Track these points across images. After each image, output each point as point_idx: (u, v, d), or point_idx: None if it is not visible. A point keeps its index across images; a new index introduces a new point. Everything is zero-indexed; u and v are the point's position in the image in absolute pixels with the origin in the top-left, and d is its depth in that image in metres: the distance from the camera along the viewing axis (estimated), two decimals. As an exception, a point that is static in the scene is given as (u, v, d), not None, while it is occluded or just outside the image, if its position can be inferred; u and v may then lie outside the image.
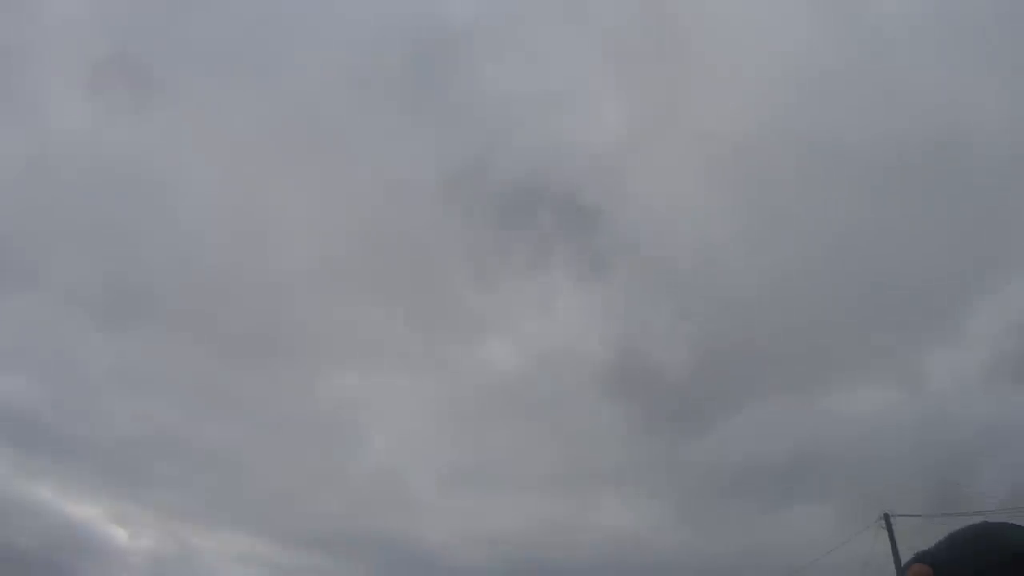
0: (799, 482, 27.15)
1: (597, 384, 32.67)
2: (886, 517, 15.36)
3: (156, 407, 27.89)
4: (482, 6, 33.22)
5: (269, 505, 28.23)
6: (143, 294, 29.72)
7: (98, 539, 23.05)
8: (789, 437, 27.15)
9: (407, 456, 32.55)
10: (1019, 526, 1.57)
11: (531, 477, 30.65)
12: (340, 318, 32.80)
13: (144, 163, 29.99)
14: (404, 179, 32.26)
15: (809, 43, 31.46)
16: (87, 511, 26.49)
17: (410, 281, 34.69)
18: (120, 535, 25.26)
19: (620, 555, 26.74)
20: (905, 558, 1.64)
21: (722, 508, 28.24)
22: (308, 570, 27.80)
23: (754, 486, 27.61)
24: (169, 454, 28.10)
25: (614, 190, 33.73)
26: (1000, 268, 26.78)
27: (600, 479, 29.75)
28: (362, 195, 33.62)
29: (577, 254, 32.75)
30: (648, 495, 30.06)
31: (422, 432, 32.86)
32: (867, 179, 31.18)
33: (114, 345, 29.04)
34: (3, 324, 26.12)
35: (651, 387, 31.84)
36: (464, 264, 34.12)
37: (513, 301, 34.61)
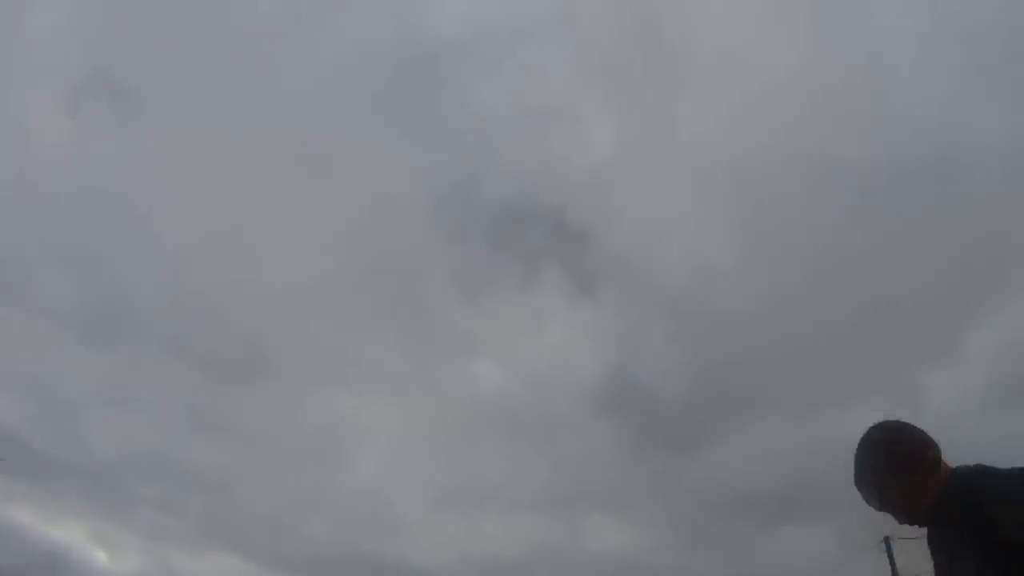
0: (796, 504, 26.80)
1: (588, 405, 32.29)
2: (886, 540, 14.82)
3: (140, 427, 27.43)
4: (471, 23, 33.04)
5: (256, 527, 27.75)
6: (127, 312, 29.32)
7: (79, 562, 22.41)
8: (785, 458, 26.82)
9: (396, 477, 32.10)
10: None
11: (522, 499, 30.22)
12: (328, 338, 32.43)
13: (127, 181, 29.65)
14: (392, 197, 31.94)
15: (805, 61, 31.30)
16: (67, 533, 25.88)
17: (398, 301, 34.31)
18: (101, 558, 24.64)
19: (612, 576, 26.34)
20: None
21: (717, 530, 27.86)
22: (293, 594, 27.31)
23: (750, 508, 27.25)
24: (153, 475, 27.58)
25: (604, 209, 33.46)
26: (998, 288, 26.60)
27: (592, 501, 29.36)
28: (349, 214, 33.28)
29: (567, 274, 32.44)
30: (641, 517, 29.66)
31: (411, 453, 32.41)
32: (863, 198, 30.97)
33: (97, 364, 28.59)
34: (-17, 341, 25.63)
35: (643, 408, 31.48)
36: (452, 283, 33.79)
37: (502, 321, 34.26)
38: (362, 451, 32.23)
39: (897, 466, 2.01)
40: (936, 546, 2.02)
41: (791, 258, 31.41)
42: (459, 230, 33.06)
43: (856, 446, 2.13)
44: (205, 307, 31.27)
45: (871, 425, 2.08)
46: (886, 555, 14.73)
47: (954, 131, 28.29)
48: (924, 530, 2.09)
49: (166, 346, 30.64)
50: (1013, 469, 1.94)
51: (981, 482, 1.94)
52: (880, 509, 2.03)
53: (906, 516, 2.01)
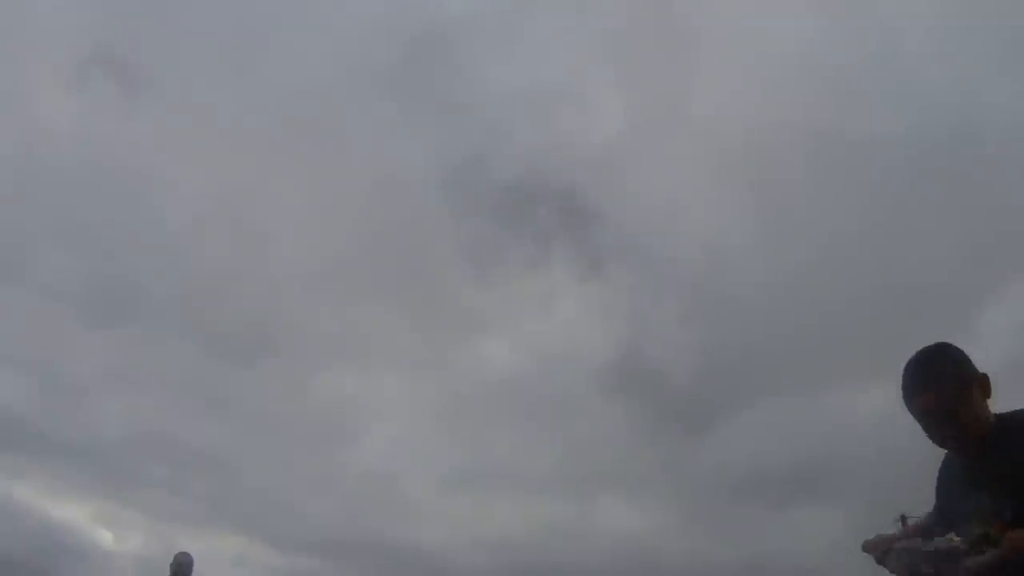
0: (808, 484, 26.53)
1: (599, 385, 32.02)
2: (902, 519, 14.54)
3: (145, 407, 27.18)
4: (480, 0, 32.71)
5: (262, 507, 27.56)
6: (132, 292, 29.08)
7: (83, 541, 22.29)
8: (797, 438, 26.53)
9: (405, 457, 31.88)
10: None
11: (532, 479, 30.01)
12: (336, 317, 32.17)
13: (133, 160, 29.37)
14: (400, 176, 31.64)
15: (818, 36, 30.85)
16: (73, 512, 25.76)
17: (407, 280, 34.05)
18: (106, 537, 24.53)
19: (624, 559, 26.08)
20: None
21: (728, 511, 27.61)
22: (303, 574, 27.15)
23: (761, 489, 26.97)
24: (158, 455, 27.33)
25: (615, 187, 33.10)
26: (1014, 268, 26.27)
27: (603, 481, 29.11)
28: (357, 192, 32.97)
29: (577, 253, 32.10)
30: (652, 498, 29.42)
31: (420, 433, 32.17)
32: (876, 177, 30.59)
33: (102, 343, 28.39)
34: (-12, 320, 25.49)
35: (654, 388, 31.19)
36: (462, 262, 33.49)
37: (512, 300, 33.97)
38: (370, 431, 32.04)
39: (966, 372, 2.08)
40: (965, 481, 2.10)
41: (804, 237, 31.05)
42: (468, 208, 32.75)
43: (912, 360, 2.14)
44: (212, 286, 31.03)
45: (921, 348, 2.15)
46: (903, 533, 14.67)
47: (970, 108, 27.91)
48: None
49: (172, 326, 30.42)
50: None
51: None
52: (940, 418, 2.04)
53: (960, 435, 2.05)
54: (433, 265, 32.63)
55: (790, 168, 30.47)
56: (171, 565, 7.36)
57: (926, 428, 2.09)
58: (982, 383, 2.08)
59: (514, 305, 33.79)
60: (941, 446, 2.13)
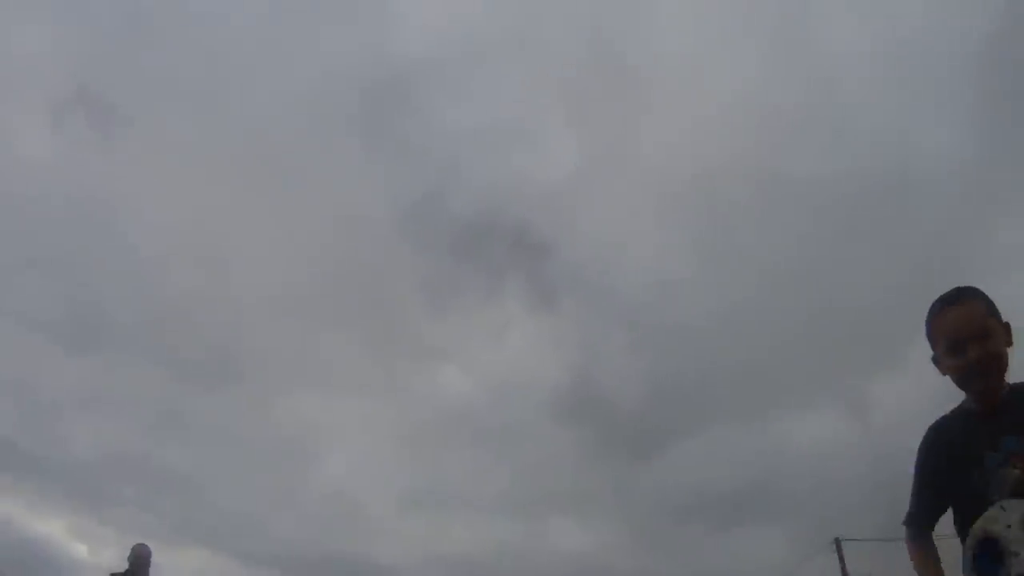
0: (749, 506, 27.85)
1: (550, 412, 33.42)
2: (837, 542, 15.56)
3: (117, 428, 28.13)
4: (434, 43, 33.96)
5: (229, 525, 28.56)
6: (105, 319, 29.96)
7: (60, 554, 23.17)
8: (740, 463, 27.96)
9: (365, 479, 32.99)
10: None
11: (485, 500, 31.24)
12: (299, 345, 33.25)
13: (106, 193, 30.31)
14: (360, 212, 32.82)
15: (760, 79, 32.54)
16: (49, 527, 26.57)
17: (367, 311, 35.21)
18: (81, 550, 25.33)
19: (574, 576, 27.37)
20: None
21: (674, 532, 28.99)
22: (266, 588, 27.99)
23: (705, 511, 28.34)
24: (129, 474, 28.26)
25: (566, 223, 34.57)
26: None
27: (553, 503, 30.46)
28: (319, 227, 34.13)
29: (529, 285, 33.56)
30: (601, 519, 30.78)
31: (379, 455, 33.33)
32: (815, 212, 32.23)
33: (77, 368, 29.24)
34: (-35, 347, 26.18)
35: (603, 415, 32.65)
36: (419, 294, 34.73)
37: (467, 330, 35.23)
38: (331, 454, 33.01)
39: (997, 309, 1.97)
40: (977, 440, 1.88)
41: (746, 270, 32.71)
42: (425, 243, 34.00)
43: (940, 298, 1.99)
44: (181, 314, 31.98)
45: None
46: (836, 556, 15.27)
47: (906, 148, 29.29)
48: (870, 539, 2.14)
49: (143, 351, 31.36)
50: None
51: None
52: (977, 332, 1.89)
53: (994, 364, 1.90)
54: (392, 296, 33.82)
55: (733, 205, 32.10)
56: (128, 557, 7.05)
57: (955, 347, 1.91)
58: (1008, 328, 1.95)
59: (469, 335, 35.02)
60: (970, 375, 1.90)
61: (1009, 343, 1.93)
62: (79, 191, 29.63)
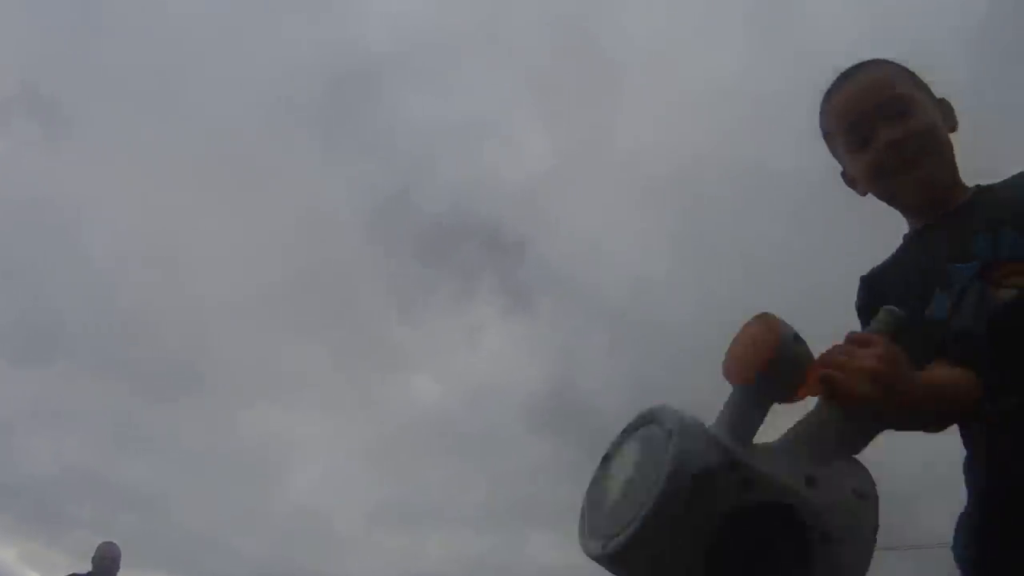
0: None
1: (527, 419, 32.24)
2: None
3: (70, 445, 26.75)
4: (402, 36, 32.98)
5: (190, 546, 27.21)
6: (57, 329, 28.61)
7: None
8: None
9: (333, 493, 31.77)
10: None
11: (462, 514, 30.05)
12: (261, 354, 32.02)
13: (57, 197, 29.00)
14: (324, 212, 31.72)
15: (741, 68, 31.71)
16: (1, 554, 25.20)
17: (333, 316, 34.04)
18: (34, 578, 24.17)
19: (553, 592, 26.30)
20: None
21: None
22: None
23: None
24: (83, 493, 26.81)
25: (540, 221, 33.55)
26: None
27: (532, 516, 29.29)
28: (282, 229, 32.96)
29: (503, 287, 32.40)
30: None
31: (348, 469, 32.10)
32: (799, 206, 31.43)
33: (26, 381, 27.85)
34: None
35: (584, 420, 31.43)
36: (387, 298, 33.59)
37: (438, 335, 34.13)
38: (298, 467, 31.89)
39: (922, 80, 1.37)
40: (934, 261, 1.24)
41: (729, 266, 31.70)
42: (394, 245, 32.95)
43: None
44: (136, 323, 30.69)
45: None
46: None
47: None
48: None
49: (97, 362, 30.01)
50: None
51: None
52: (893, 107, 1.28)
53: (912, 157, 1.26)
54: (358, 301, 32.69)
55: (714, 199, 31.16)
56: (93, 558, 6.38)
57: (857, 132, 1.33)
58: (944, 106, 1.35)
59: (441, 340, 33.97)
60: (886, 169, 1.30)
61: (951, 126, 1.32)
62: (25, 194, 28.38)
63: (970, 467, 1.23)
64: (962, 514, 1.23)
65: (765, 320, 0.89)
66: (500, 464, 31.49)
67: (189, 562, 27.40)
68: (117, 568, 6.35)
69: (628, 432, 0.89)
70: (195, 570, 27.25)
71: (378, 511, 30.04)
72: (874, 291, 1.34)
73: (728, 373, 0.89)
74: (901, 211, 1.37)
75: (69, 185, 30.06)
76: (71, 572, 6.38)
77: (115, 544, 6.43)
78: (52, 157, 29.73)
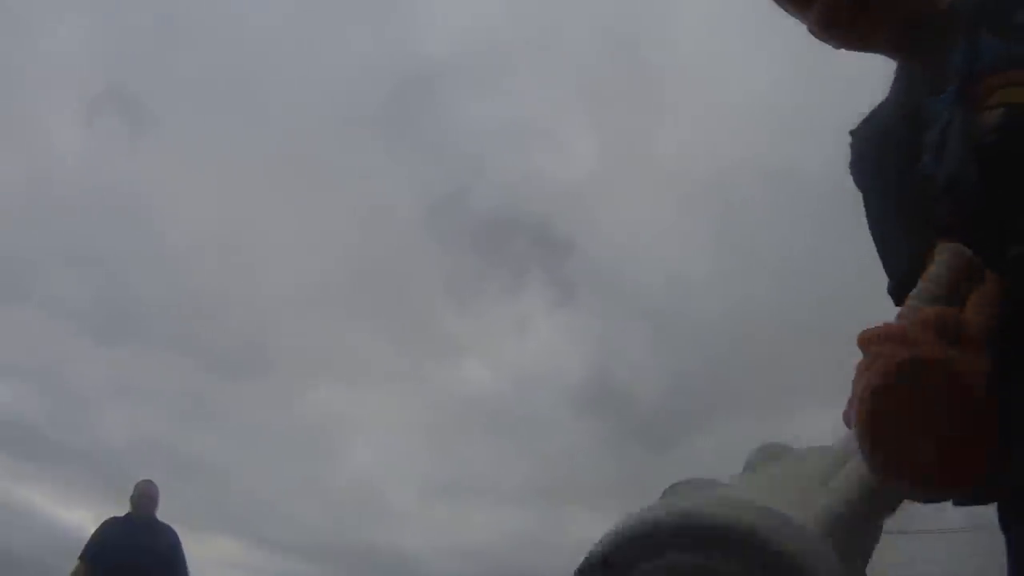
0: None
1: (570, 406, 33.69)
2: None
3: (144, 418, 28.72)
4: (459, 43, 34.56)
5: (253, 513, 29.09)
6: (135, 311, 30.65)
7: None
8: None
9: (388, 469, 33.48)
10: None
11: (506, 491, 31.59)
12: (323, 338, 33.81)
13: (137, 189, 31.09)
14: (384, 207, 33.39)
15: (782, 77, 32.75)
16: (78, 515, 27.31)
17: (391, 304, 35.80)
18: (110, 540, 25.79)
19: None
20: None
21: None
22: (292, 575, 28.38)
23: None
24: (156, 462, 28.73)
25: (587, 222, 34.90)
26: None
27: (572, 494, 30.77)
28: (346, 223, 34.77)
29: (550, 281, 33.92)
30: (618, 509, 30.89)
31: (403, 446, 33.82)
32: (836, 209, 32.18)
33: (105, 358, 29.87)
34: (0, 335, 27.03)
35: (622, 408, 32.88)
36: (443, 289, 35.25)
37: (489, 325, 35.70)
38: (356, 444, 33.52)
39: None
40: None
41: (765, 267, 32.80)
42: (449, 239, 34.46)
43: None
44: (208, 307, 32.69)
45: None
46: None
47: None
48: None
49: (171, 342, 31.94)
50: None
51: None
52: None
53: None
54: (416, 290, 34.26)
55: (753, 201, 32.22)
56: (131, 497, 6.22)
57: None
58: None
59: (491, 329, 35.36)
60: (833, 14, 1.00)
61: None
62: (110, 187, 30.37)
63: None
64: None
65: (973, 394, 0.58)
66: (543, 445, 32.86)
67: (252, 529, 29.20)
68: (155, 506, 6.28)
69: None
70: (258, 536, 29.05)
71: (429, 486, 31.60)
72: (870, 146, 1.08)
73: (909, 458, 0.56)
74: (880, 53, 1.09)
75: (148, 179, 32.16)
76: (110, 517, 6.40)
77: (152, 483, 6.42)
78: (135, 152, 31.78)
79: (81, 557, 6.17)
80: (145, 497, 6.32)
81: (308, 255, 34.66)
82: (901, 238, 1.06)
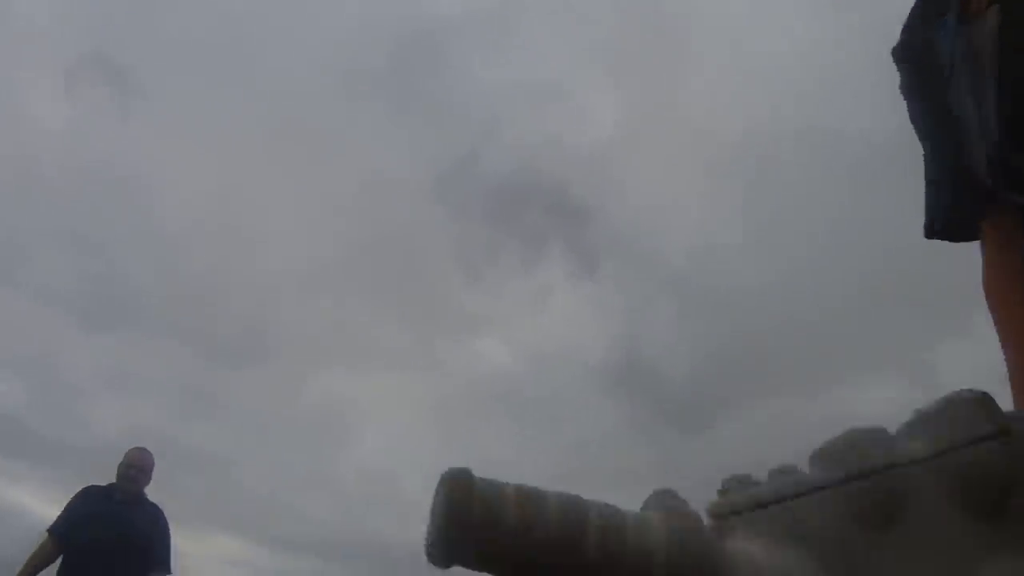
0: None
1: (594, 382, 32.12)
2: None
3: (139, 409, 27.18)
4: None
5: (257, 508, 27.59)
6: (126, 294, 29.10)
7: None
8: (798, 437, 26.53)
9: (399, 457, 32.02)
10: None
11: (526, 478, 30.05)
12: (328, 317, 32.27)
13: (125, 162, 29.38)
14: (391, 176, 31.75)
15: (811, 35, 30.96)
16: None
17: (399, 279, 34.16)
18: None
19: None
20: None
21: None
22: (297, 574, 27.09)
23: None
24: (154, 456, 27.39)
25: (608, 186, 33.24)
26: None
27: (597, 480, 29.19)
28: (348, 192, 33.09)
29: (570, 251, 32.23)
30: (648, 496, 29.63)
31: (415, 432, 32.29)
32: (874, 173, 30.71)
33: (95, 346, 28.40)
34: (-23, 322, 25.41)
35: (650, 387, 31.29)
36: (454, 261, 33.62)
37: (505, 299, 34.11)
38: (364, 431, 32.16)
39: None
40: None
41: (798, 233, 31.13)
42: (460, 208, 32.90)
43: None
44: (204, 288, 31.12)
45: None
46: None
47: None
48: None
49: (165, 327, 30.47)
50: None
51: None
52: None
53: None
54: (425, 264, 32.73)
55: (785, 164, 30.57)
56: (118, 467, 5.28)
57: None
58: None
59: (507, 304, 33.89)
60: None
61: None
62: (98, 160, 28.77)
63: None
64: None
65: None
66: (566, 427, 31.42)
67: (257, 526, 27.81)
68: (147, 479, 5.35)
69: None
70: (262, 534, 27.64)
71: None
72: (903, 74, 1.29)
73: None
74: None
75: (138, 151, 30.45)
76: (89, 485, 5.47)
77: (147, 451, 5.47)
78: (123, 123, 30.11)
79: (50, 531, 5.18)
80: (134, 468, 5.25)
81: (310, 229, 33.15)
82: (943, 182, 1.24)
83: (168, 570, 5.34)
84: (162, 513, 5.49)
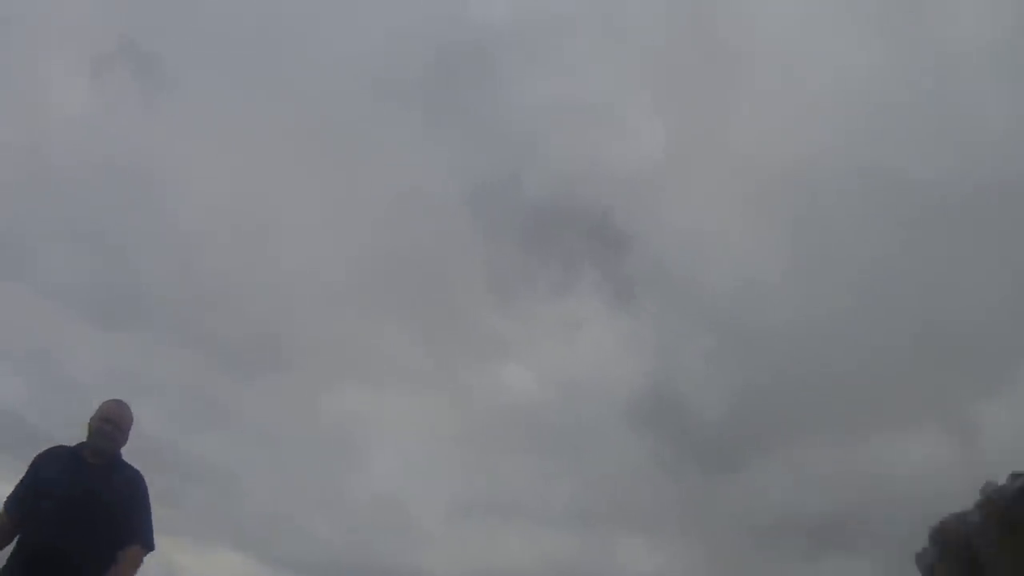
0: (841, 533, 25.54)
1: (622, 417, 31.10)
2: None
3: (147, 415, 26.31)
4: (518, 13, 31.84)
5: (264, 526, 26.68)
6: (140, 294, 28.27)
7: None
8: (831, 484, 25.41)
9: (414, 481, 31.05)
10: None
11: (547, 512, 29.08)
12: (349, 331, 31.34)
13: (147, 156, 28.58)
14: (423, 189, 30.86)
15: (869, 69, 29.92)
16: None
17: (426, 297, 33.21)
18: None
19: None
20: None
21: (755, 556, 26.62)
22: (303, 598, 26.17)
23: (791, 534, 25.99)
24: (157, 466, 26.41)
25: (648, 213, 32.27)
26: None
27: (622, 518, 28.07)
28: (377, 203, 32.18)
29: (606, 279, 31.23)
30: (674, 538, 28.49)
31: (431, 457, 31.33)
32: (921, 216, 29.66)
33: (106, 346, 27.60)
34: (-12, 316, 24.59)
35: (681, 424, 30.22)
36: (485, 283, 32.67)
37: (535, 325, 33.14)
38: (379, 452, 31.22)
39: None
40: None
41: (842, 274, 30.01)
42: (495, 227, 32.01)
43: None
44: (221, 293, 30.24)
45: None
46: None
47: (1021, 152, 26.86)
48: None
49: (179, 331, 29.65)
50: None
51: None
52: None
53: None
54: (454, 284, 31.77)
55: (833, 202, 29.47)
56: (90, 421, 4.41)
57: None
58: None
59: (537, 330, 32.88)
60: None
61: None
62: (118, 153, 27.98)
63: None
64: None
65: None
66: (591, 461, 30.27)
67: (261, 542, 26.66)
68: (124, 437, 4.51)
69: None
70: (264, 549, 26.53)
71: (460, 502, 29.11)
72: None
73: None
74: None
75: (160, 147, 29.58)
76: (56, 445, 4.52)
77: (125, 404, 4.57)
78: (147, 116, 29.30)
79: (5, 508, 4.29)
80: (110, 423, 4.35)
81: (335, 239, 32.14)
82: None
83: (149, 545, 4.35)
84: (142, 479, 4.52)
